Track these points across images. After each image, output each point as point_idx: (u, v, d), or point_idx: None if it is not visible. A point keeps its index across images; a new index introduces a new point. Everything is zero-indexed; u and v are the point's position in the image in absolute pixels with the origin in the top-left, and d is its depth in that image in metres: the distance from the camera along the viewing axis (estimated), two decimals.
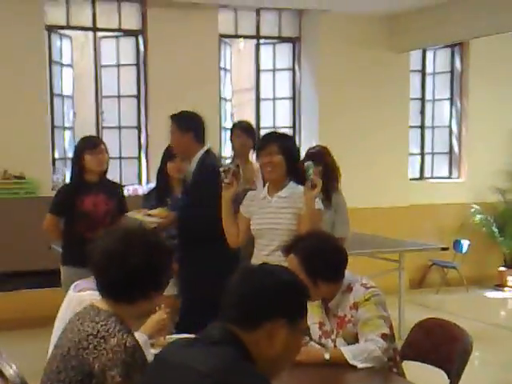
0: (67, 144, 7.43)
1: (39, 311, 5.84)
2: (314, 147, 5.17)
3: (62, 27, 7.23)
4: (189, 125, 4.35)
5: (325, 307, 3.08)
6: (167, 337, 3.01)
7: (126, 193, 4.89)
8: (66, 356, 2.12)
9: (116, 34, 7.47)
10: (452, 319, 3.33)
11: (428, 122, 8.85)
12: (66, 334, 2.21)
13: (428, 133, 8.87)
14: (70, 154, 7.34)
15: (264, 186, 4.08)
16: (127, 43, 7.48)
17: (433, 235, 7.82)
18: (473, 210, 8.46)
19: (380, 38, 8.02)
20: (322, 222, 3.92)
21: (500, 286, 8.42)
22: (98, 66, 7.47)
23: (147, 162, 7.47)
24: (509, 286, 8.35)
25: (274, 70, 8.17)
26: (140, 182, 7.45)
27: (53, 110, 7.14)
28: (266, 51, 8.15)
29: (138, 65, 7.45)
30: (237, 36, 8.06)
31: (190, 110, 4.49)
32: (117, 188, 4.84)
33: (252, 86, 8.27)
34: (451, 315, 3.38)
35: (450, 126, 8.86)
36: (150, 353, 2.68)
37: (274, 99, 8.19)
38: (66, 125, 7.42)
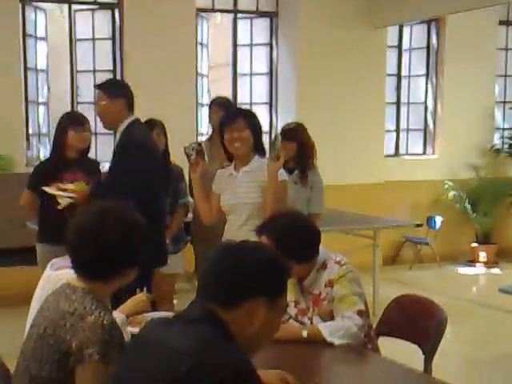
0: (41, 119, 7.33)
1: (15, 290, 5.80)
2: (289, 124, 5.15)
3: None
4: (119, 91, 4.24)
5: (300, 285, 3.09)
6: (144, 315, 3.01)
7: (101, 169, 4.81)
8: (43, 335, 2.11)
9: (91, 6, 7.36)
10: (425, 295, 3.37)
11: (403, 99, 8.86)
12: (42, 312, 2.20)
13: (403, 109, 8.89)
14: (45, 130, 7.32)
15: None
16: (103, 17, 7.37)
17: (407, 212, 7.89)
18: (446, 186, 8.54)
19: (357, 14, 7.99)
20: (287, 192, 3.92)
21: (472, 261, 8.52)
22: (72, 39, 7.36)
23: None
24: (480, 262, 8.46)
25: (251, 45, 8.12)
26: None
27: (26, 85, 7.03)
28: (243, 26, 8.10)
29: (113, 39, 7.35)
30: (214, 10, 7.98)
31: (117, 78, 4.41)
32: (97, 166, 4.76)
33: (229, 62, 8.22)
34: (424, 291, 3.42)
35: (425, 103, 8.89)
36: (128, 331, 2.69)
37: (251, 75, 8.15)
38: (41, 100, 7.31)
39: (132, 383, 1.77)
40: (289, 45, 8.00)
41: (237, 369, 1.69)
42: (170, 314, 2.40)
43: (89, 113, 7.24)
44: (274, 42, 8.11)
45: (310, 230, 3.08)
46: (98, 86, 4.32)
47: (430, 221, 8.20)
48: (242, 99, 8.07)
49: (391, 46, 8.59)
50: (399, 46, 8.74)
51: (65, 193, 4.13)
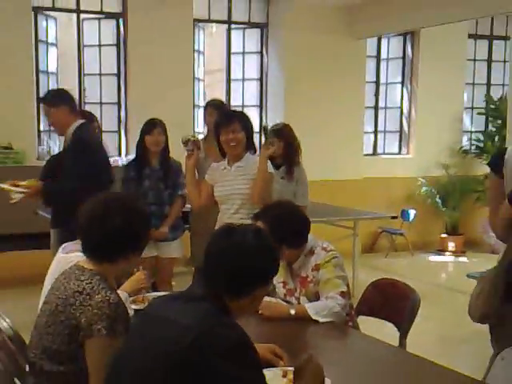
0: None
1: (28, 271, 5.78)
2: (277, 124, 5.17)
3: (48, 9, 7.07)
4: (60, 99, 4.19)
5: (289, 268, 3.10)
6: (146, 295, 3.01)
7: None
8: (55, 311, 2.11)
9: (98, 16, 7.33)
10: (399, 280, 3.37)
11: (381, 103, 8.88)
12: (53, 291, 2.20)
13: (381, 113, 8.90)
14: None
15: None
16: (108, 25, 7.34)
17: (383, 205, 7.90)
18: (419, 183, 8.56)
19: (339, 26, 8.00)
20: (272, 183, 3.95)
21: (441, 250, 8.56)
22: (80, 45, 7.32)
23: (126, 135, 7.39)
24: (449, 251, 8.50)
25: (243, 53, 8.11)
26: (120, 154, 7.38)
27: (38, 86, 6.97)
28: (236, 35, 8.08)
29: (118, 45, 7.32)
30: (209, 21, 7.95)
31: (55, 88, 4.38)
32: None
33: (223, 68, 8.20)
34: (399, 276, 3.42)
35: (401, 107, 8.90)
36: (131, 308, 2.69)
37: (243, 80, 8.14)
38: None
39: (140, 356, 1.77)
40: (277, 53, 7.99)
41: (236, 340, 1.70)
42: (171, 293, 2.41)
43: (95, 112, 7.27)
44: (264, 51, 8.10)
45: (302, 219, 3.10)
46: (41, 100, 4.29)
47: (404, 213, 8.23)
48: (235, 102, 8.06)
49: (370, 56, 8.60)
50: (377, 56, 8.75)
51: (17, 188, 4.02)
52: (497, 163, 3.03)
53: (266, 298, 2.92)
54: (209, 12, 7.78)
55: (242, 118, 3.94)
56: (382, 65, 8.80)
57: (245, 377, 1.67)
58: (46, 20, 7.13)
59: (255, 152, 3.98)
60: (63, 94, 4.34)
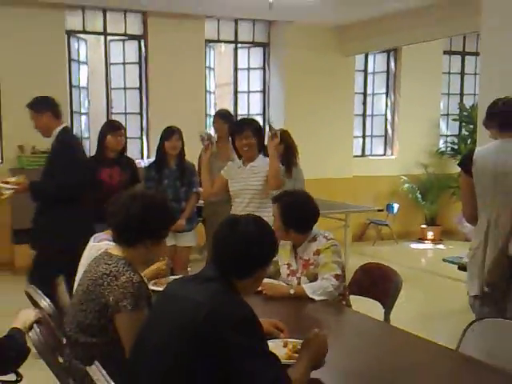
0: (83, 126, 7.32)
1: None
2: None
3: (79, 32, 7.09)
4: (44, 106, 4.09)
5: (294, 252, 3.09)
6: (165, 279, 3.02)
7: (136, 164, 4.82)
8: (86, 291, 2.14)
9: (122, 37, 7.34)
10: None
11: (368, 111, 8.86)
12: (86, 274, 2.23)
13: (368, 120, 8.88)
14: (86, 134, 7.30)
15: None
16: (132, 46, 7.36)
17: (370, 200, 7.90)
18: (402, 180, 8.55)
19: (332, 45, 7.98)
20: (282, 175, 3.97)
21: (421, 239, 8.55)
22: (107, 63, 7.34)
23: (148, 141, 7.40)
24: (428, 240, 8.49)
25: (248, 69, 8.10)
26: (142, 157, 7.39)
27: (71, 99, 7.01)
28: (242, 53, 8.07)
29: (140, 63, 7.34)
30: (219, 41, 7.94)
31: (41, 95, 4.24)
32: (131, 162, 4.71)
33: (231, 82, 8.20)
34: (384, 262, 3.41)
35: (385, 115, 8.89)
36: (150, 288, 2.70)
37: (249, 92, 8.13)
38: (82, 111, 7.29)
39: (160, 330, 1.79)
40: (278, 69, 7.98)
41: (244, 315, 1.71)
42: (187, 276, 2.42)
43: (120, 122, 7.31)
44: (266, 67, 8.09)
45: (312, 209, 3.05)
46: (27, 106, 4.14)
47: (388, 207, 8.21)
48: (242, 111, 8.06)
49: (358, 70, 8.58)
50: (365, 71, 8.72)
51: (7, 185, 3.95)
52: (466, 164, 3.05)
53: (269, 280, 2.94)
54: (218, 33, 7.78)
55: (253, 126, 3.92)
56: (369, 78, 8.78)
57: (251, 346, 1.68)
58: (78, 42, 7.15)
59: (266, 154, 3.92)
60: (47, 101, 4.20)
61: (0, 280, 5.99)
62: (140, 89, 7.38)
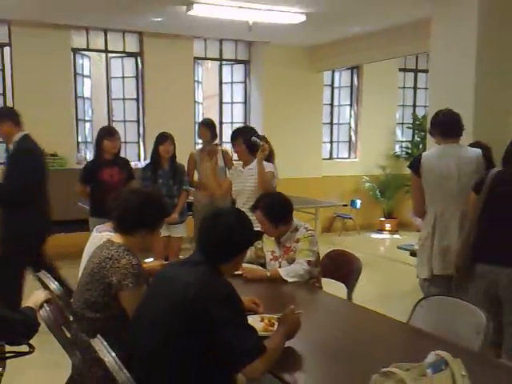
0: (87, 132, 7.26)
1: (71, 248, 5.74)
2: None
3: (83, 49, 7.02)
4: (4, 115, 3.84)
5: (277, 241, 3.08)
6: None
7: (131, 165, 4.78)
8: (91, 273, 2.14)
9: (121, 55, 7.28)
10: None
11: (335, 120, 8.90)
12: (91, 259, 2.23)
13: (335, 128, 8.92)
14: (90, 139, 7.24)
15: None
16: (130, 62, 7.30)
17: (337, 196, 7.95)
18: (363, 180, 8.61)
19: (304, 62, 8.01)
20: (272, 178, 3.88)
21: (380, 230, 8.61)
22: (108, 77, 7.29)
23: (144, 145, 7.35)
24: (386, 231, 8.55)
25: (231, 83, 8.09)
26: (139, 159, 7.35)
27: (77, 108, 6.95)
28: (226, 69, 8.06)
29: (137, 77, 7.28)
30: (206, 58, 7.92)
31: (3, 106, 4.03)
32: (127, 162, 4.68)
33: (216, 94, 8.19)
34: (349, 249, 3.46)
35: (349, 123, 8.94)
36: None
37: (232, 103, 8.13)
38: (87, 118, 7.22)
39: (155, 306, 1.80)
40: (258, 83, 7.99)
41: (227, 293, 1.73)
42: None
43: (120, 128, 7.30)
44: (247, 81, 8.09)
45: (287, 203, 3.05)
46: None
47: (352, 203, 8.27)
48: (226, 119, 8.05)
49: (326, 85, 8.61)
50: (332, 85, 8.76)
51: None
52: (415, 166, 3.10)
53: (248, 265, 2.96)
54: (205, 52, 7.76)
55: (242, 134, 3.90)
56: (335, 91, 8.82)
57: (233, 319, 1.71)
58: (82, 58, 7.09)
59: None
60: (7, 111, 4.05)
61: None
62: (137, 99, 7.33)
